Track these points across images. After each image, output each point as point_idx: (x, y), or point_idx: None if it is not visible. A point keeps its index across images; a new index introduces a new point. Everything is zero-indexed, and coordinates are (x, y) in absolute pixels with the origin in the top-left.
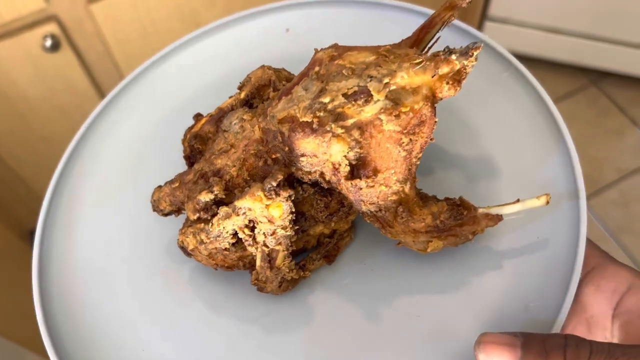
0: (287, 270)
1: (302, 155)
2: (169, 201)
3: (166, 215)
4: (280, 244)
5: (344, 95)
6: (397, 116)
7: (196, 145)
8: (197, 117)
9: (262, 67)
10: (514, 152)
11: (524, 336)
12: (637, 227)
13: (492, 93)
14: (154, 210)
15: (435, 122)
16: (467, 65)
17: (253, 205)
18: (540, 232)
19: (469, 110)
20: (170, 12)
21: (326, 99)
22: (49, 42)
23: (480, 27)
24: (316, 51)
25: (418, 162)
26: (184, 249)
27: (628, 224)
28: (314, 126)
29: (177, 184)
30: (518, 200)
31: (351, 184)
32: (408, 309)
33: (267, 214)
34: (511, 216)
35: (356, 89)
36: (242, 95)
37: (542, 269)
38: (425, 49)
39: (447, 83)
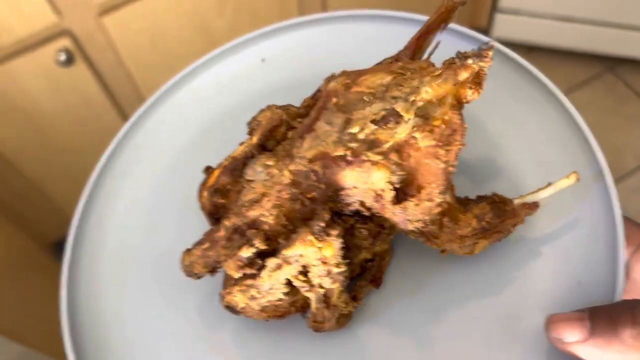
0: (344, 305)
1: (342, 189)
2: (203, 263)
3: (200, 277)
4: (336, 282)
5: (373, 121)
6: (431, 131)
7: (219, 201)
8: (208, 170)
9: (270, 107)
10: (526, 146)
11: (590, 309)
12: None
13: (491, 87)
14: (188, 275)
15: (465, 127)
16: (484, 67)
17: (305, 251)
18: (573, 211)
19: (474, 111)
20: (180, 21)
21: (355, 129)
22: (63, 57)
23: (490, 19)
24: (326, 82)
25: (454, 170)
26: (231, 308)
27: None
28: (349, 158)
29: (207, 244)
30: (549, 184)
31: (399, 207)
32: (465, 314)
33: (320, 256)
34: (546, 201)
35: (383, 113)
36: (255, 140)
37: (583, 246)
38: (427, 56)
39: (470, 88)
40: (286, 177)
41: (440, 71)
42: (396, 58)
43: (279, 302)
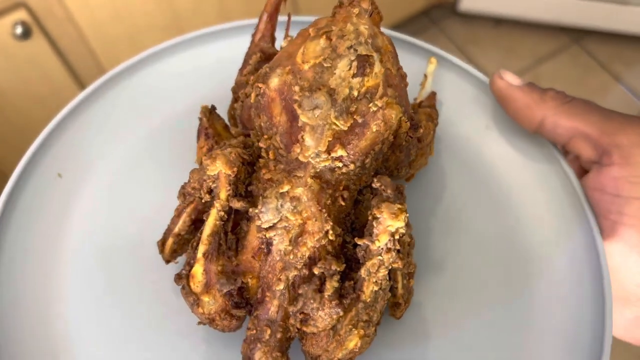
0: (412, 268)
1: (366, 157)
2: (278, 351)
3: None
4: (411, 241)
5: (354, 76)
6: (390, 57)
7: (243, 281)
8: (180, 279)
9: (217, 156)
10: None
11: None
12: None
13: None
14: None
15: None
16: None
17: (398, 223)
18: (436, 88)
19: None
20: None
21: (345, 92)
22: (19, 30)
23: None
24: (262, 88)
25: None
26: None
27: None
28: (359, 120)
29: (267, 332)
30: (425, 76)
31: (417, 136)
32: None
33: (406, 220)
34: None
35: (355, 63)
36: (223, 196)
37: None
38: (287, 30)
39: (378, 14)
40: (314, 185)
41: (357, 11)
42: (260, 49)
43: (383, 302)
